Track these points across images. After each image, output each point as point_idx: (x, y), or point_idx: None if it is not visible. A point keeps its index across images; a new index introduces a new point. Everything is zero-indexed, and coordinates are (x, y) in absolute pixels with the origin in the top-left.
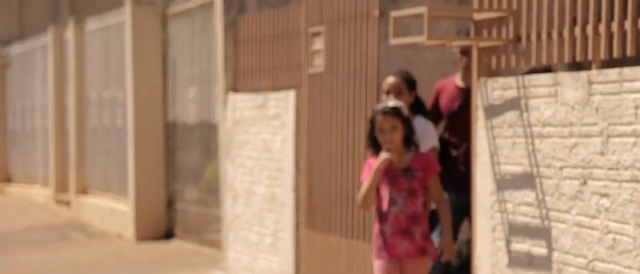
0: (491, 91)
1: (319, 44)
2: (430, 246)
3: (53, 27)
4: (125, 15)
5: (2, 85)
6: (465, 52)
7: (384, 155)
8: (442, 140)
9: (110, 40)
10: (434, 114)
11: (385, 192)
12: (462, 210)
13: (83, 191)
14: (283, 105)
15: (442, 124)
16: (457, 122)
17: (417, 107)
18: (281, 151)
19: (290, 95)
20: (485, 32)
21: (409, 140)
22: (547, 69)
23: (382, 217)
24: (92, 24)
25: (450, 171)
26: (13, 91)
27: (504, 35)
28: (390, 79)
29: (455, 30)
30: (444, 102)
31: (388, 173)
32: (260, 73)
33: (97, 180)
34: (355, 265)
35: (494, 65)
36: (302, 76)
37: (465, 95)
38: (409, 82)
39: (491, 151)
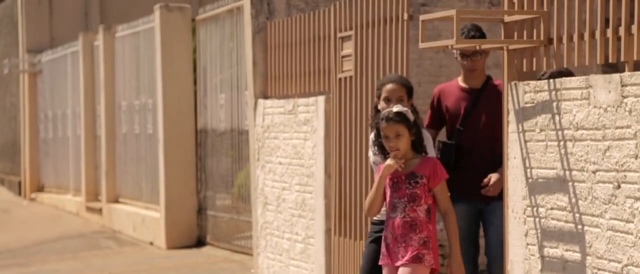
0: (522, 94)
1: (348, 49)
2: (428, 255)
3: (83, 34)
4: (154, 21)
5: (33, 93)
6: (466, 55)
7: (388, 162)
8: (453, 146)
9: (140, 46)
10: (436, 120)
11: (388, 198)
12: (476, 216)
13: (114, 198)
14: (313, 110)
15: (445, 129)
16: (468, 125)
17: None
18: (311, 157)
19: (320, 100)
20: (515, 34)
21: (417, 145)
22: (564, 73)
23: (386, 223)
24: (122, 31)
25: (462, 177)
26: (44, 99)
27: (534, 37)
28: (391, 86)
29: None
30: (449, 106)
31: (393, 179)
32: (290, 78)
33: (128, 188)
34: None
35: (525, 67)
36: (331, 80)
37: (472, 96)
38: (408, 89)
39: (523, 155)
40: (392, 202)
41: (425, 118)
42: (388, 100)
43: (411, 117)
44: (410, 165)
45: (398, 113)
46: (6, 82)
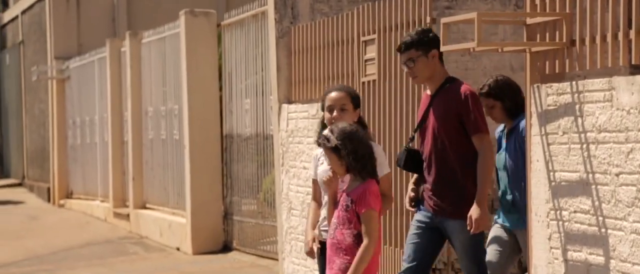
0: (545, 96)
1: (371, 52)
2: None
3: (110, 40)
4: (180, 27)
5: (61, 99)
6: (405, 63)
7: (324, 179)
8: (404, 152)
9: (166, 52)
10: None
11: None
12: (433, 231)
13: (142, 204)
14: None
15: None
16: (421, 132)
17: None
18: None
19: None
20: (538, 37)
21: (351, 168)
22: (501, 83)
23: None
24: (148, 37)
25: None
26: (72, 105)
27: (557, 39)
28: (334, 94)
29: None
30: (419, 113)
31: (340, 197)
32: (314, 83)
33: (155, 193)
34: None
35: (547, 70)
36: (355, 84)
37: (428, 103)
38: (354, 99)
39: (546, 157)
40: (331, 221)
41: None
42: (331, 109)
43: (334, 142)
44: (350, 187)
45: (325, 138)
46: (35, 89)
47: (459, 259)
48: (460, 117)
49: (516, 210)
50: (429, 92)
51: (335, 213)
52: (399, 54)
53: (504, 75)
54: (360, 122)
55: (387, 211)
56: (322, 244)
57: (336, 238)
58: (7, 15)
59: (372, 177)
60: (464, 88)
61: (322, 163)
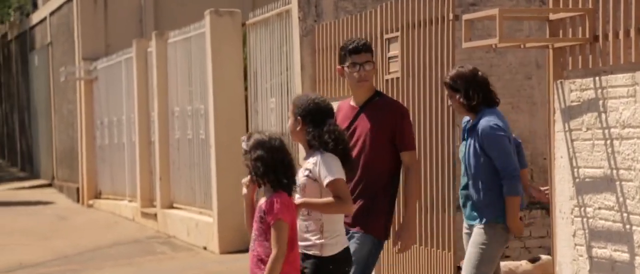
0: (568, 92)
1: (395, 50)
2: None
3: (136, 40)
4: (205, 26)
5: (89, 100)
6: (359, 64)
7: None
8: None
9: (191, 52)
10: None
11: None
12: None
13: (169, 204)
14: None
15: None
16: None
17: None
18: None
19: None
20: (560, 32)
21: (259, 176)
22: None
23: None
24: (174, 37)
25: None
26: (100, 106)
27: (580, 34)
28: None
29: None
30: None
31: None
32: (338, 81)
33: (182, 193)
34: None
35: (570, 66)
36: (378, 82)
37: (354, 114)
38: (300, 110)
39: (570, 154)
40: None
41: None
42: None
43: (243, 149)
44: (265, 197)
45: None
46: (63, 90)
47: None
48: (393, 132)
49: (473, 206)
50: (353, 103)
51: (254, 225)
52: (351, 55)
53: (473, 67)
54: (312, 133)
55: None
56: None
57: (256, 250)
58: (36, 17)
59: (282, 189)
60: (398, 104)
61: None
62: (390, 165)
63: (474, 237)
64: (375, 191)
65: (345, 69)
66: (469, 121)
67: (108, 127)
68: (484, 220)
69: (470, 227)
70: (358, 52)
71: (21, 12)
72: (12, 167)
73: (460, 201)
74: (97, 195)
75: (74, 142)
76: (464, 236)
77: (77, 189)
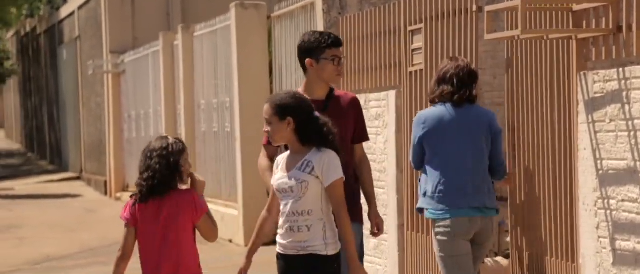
0: (592, 83)
1: (418, 42)
2: None
3: (163, 34)
4: (230, 19)
5: (117, 93)
6: (339, 58)
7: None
8: None
9: (217, 45)
10: None
11: None
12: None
13: None
14: (384, 105)
15: None
16: None
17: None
18: (383, 152)
19: (391, 95)
20: (584, 23)
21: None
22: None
23: None
24: (200, 30)
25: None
26: (128, 99)
27: (603, 25)
28: (265, 106)
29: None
30: None
31: None
32: (361, 73)
33: (208, 186)
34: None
35: (594, 57)
36: (402, 74)
37: (317, 108)
38: (277, 108)
39: (593, 146)
40: None
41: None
42: (267, 121)
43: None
44: None
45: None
46: (91, 83)
47: None
48: (355, 125)
49: None
50: (316, 96)
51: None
52: (331, 47)
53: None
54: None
55: None
56: (282, 256)
57: None
58: (64, 11)
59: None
60: (355, 97)
61: (278, 171)
62: (352, 156)
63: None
64: (352, 182)
65: (319, 62)
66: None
67: (135, 120)
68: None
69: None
70: (338, 46)
71: (51, 6)
72: (41, 160)
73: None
74: (125, 188)
75: (102, 136)
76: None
77: (105, 182)
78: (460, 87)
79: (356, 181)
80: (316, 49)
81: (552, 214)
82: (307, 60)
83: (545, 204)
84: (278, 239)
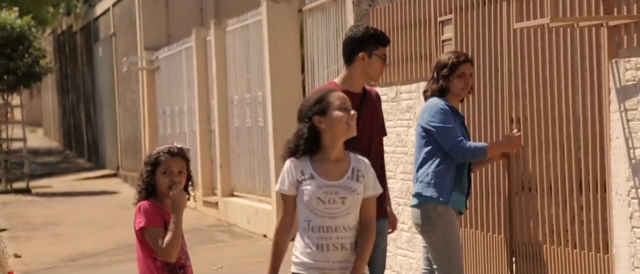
0: (623, 71)
1: (448, 33)
2: None
3: (196, 29)
4: (261, 14)
5: (151, 89)
6: (385, 57)
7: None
8: None
9: (249, 39)
10: None
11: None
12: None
13: (229, 192)
14: (415, 97)
15: None
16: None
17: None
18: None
19: (422, 87)
20: (615, 10)
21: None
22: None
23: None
24: (232, 25)
25: None
26: (162, 95)
27: (634, 12)
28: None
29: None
30: None
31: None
32: (392, 65)
33: (242, 181)
34: (492, 258)
35: (624, 44)
36: (433, 65)
37: (355, 101)
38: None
39: (625, 135)
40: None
41: None
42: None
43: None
44: None
45: (181, 148)
46: (126, 80)
47: (375, 263)
48: (381, 118)
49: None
50: (354, 89)
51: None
52: (383, 46)
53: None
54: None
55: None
56: None
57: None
58: (100, 8)
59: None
60: (376, 90)
61: (308, 179)
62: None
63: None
64: (383, 178)
65: (371, 57)
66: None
67: (170, 116)
68: None
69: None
70: (387, 45)
71: (89, 4)
72: (79, 158)
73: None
74: None
75: (137, 132)
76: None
77: None
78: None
79: (383, 176)
80: (370, 44)
81: (584, 205)
82: (361, 53)
83: (572, 195)
84: (306, 258)
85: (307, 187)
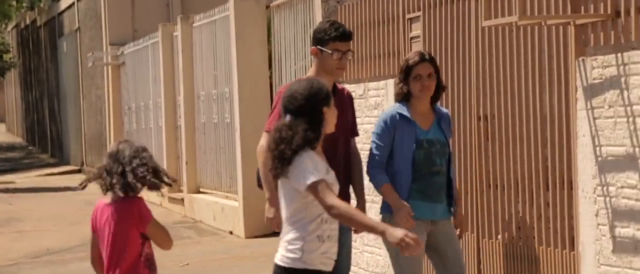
0: (590, 69)
1: (417, 30)
2: None
3: (162, 25)
4: (229, 10)
5: (117, 85)
6: (343, 52)
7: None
8: None
9: (216, 35)
10: None
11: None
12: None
13: (196, 188)
14: (383, 94)
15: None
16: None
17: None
18: None
19: (390, 84)
20: (582, 9)
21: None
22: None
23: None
24: (199, 20)
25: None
26: (127, 91)
27: (601, 10)
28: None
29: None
30: None
31: None
32: (360, 62)
33: (208, 177)
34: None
35: (591, 42)
36: (401, 63)
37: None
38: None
39: (592, 132)
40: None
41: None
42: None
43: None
44: None
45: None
46: (91, 76)
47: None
48: (352, 118)
49: (448, 198)
50: None
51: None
52: (335, 41)
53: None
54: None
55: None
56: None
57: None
58: (64, 3)
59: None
60: (349, 91)
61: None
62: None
63: (453, 230)
64: (354, 180)
65: (323, 52)
66: (398, 113)
67: (135, 112)
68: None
69: (433, 223)
70: (343, 40)
71: None
72: (42, 153)
73: (417, 194)
74: None
75: (102, 128)
76: (420, 236)
77: None
78: None
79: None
80: (323, 40)
81: (550, 202)
82: (312, 48)
83: (539, 192)
84: (318, 252)
85: (331, 177)
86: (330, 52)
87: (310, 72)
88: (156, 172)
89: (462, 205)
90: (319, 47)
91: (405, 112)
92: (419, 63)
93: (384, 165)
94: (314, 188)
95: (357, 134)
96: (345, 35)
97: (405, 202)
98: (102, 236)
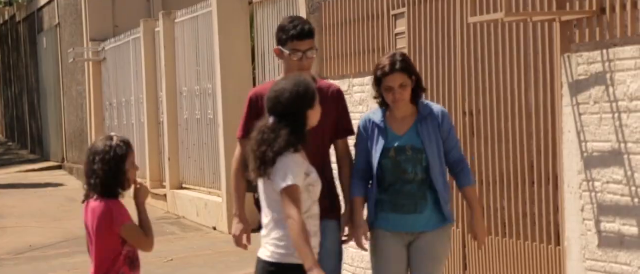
0: (575, 66)
1: (401, 26)
2: None
3: (144, 20)
4: (211, 5)
5: (98, 81)
6: (300, 51)
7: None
8: None
9: (199, 31)
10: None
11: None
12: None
13: (178, 184)
14: (368, 90)
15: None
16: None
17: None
18: None
19: None
20: (567, 5)
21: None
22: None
23: None
24: (181, 16)
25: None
26: (108, 87)
27: (586, 7)
28: None
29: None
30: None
31: None
32: (345, 58)
33: (191, 173)
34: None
35: (576, 39)
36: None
37: None
38: None
39: (577, 128)
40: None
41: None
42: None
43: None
44: None
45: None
46: (72, 71)
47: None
48: (336, 118)
49: (433, 206)
50: None
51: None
52: (292, 40)
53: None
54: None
55: None
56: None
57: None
58: None
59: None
60: (337, 87)
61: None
62: (328, 154)
63: (437, 245)
64: (332, 182)
65: (282, 52)
66: (371, 119)
67: (117, 108)
68: (448, 221)
69: (412, 235)
70: (301, 39)
71: None
72: (22, 149)
73: (388, 203)
74: None
75: (83, 124)
76: (393, 249)
77: None
78: None
79: (334, 180)
80: (281, 38)
81: (536, 198)
82: (275, 48)
83: (524, 188)
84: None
85: (313, 176)
86: (290, 51)
87: (282, 71)
88: (107, 178)
89: (478, 210)
90: (279, 47)
91: (378, 118)
92: (388, 75)
93: (365, 172)
94: (284, 192)
95: (351, 133)
96: (303, 34)
97: (364, 222)
98: (87, 233)
